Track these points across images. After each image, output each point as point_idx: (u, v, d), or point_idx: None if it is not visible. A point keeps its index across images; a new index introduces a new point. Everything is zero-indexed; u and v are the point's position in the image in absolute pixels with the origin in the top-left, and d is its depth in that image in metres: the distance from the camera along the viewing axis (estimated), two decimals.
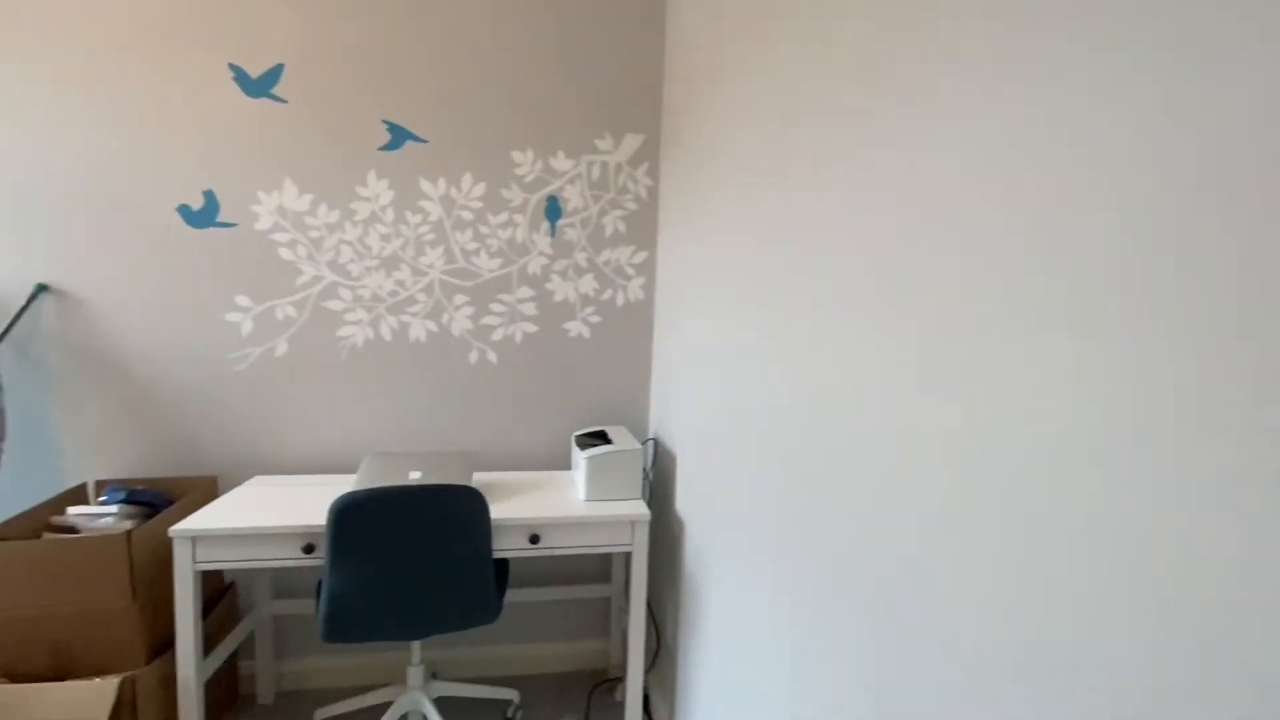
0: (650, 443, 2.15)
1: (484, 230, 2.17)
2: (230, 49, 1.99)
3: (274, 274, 2.07)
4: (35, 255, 1.94)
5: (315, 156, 2.06)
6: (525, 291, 2.21)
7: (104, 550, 1.54)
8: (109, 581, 1.55)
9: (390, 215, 2.12)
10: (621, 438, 1.97)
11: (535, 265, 2.21)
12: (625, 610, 2.17)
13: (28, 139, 1.91)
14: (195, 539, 1.59)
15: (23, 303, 1.91)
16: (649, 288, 2.28)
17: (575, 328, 2.25)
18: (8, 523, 1.64)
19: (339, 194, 2.09)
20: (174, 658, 1.62)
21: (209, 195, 2.03)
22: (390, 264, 2.13)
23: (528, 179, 2.18)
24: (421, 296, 2.16)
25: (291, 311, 2.09)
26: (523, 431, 2.25)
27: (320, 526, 1.60)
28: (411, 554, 1.57)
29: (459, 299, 2.18)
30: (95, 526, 1.74)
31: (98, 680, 1.53)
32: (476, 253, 2.17)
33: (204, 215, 2.03)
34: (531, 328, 2.23)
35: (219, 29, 1.98)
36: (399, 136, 2.10)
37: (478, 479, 2.05)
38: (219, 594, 1.96)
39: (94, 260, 1.98)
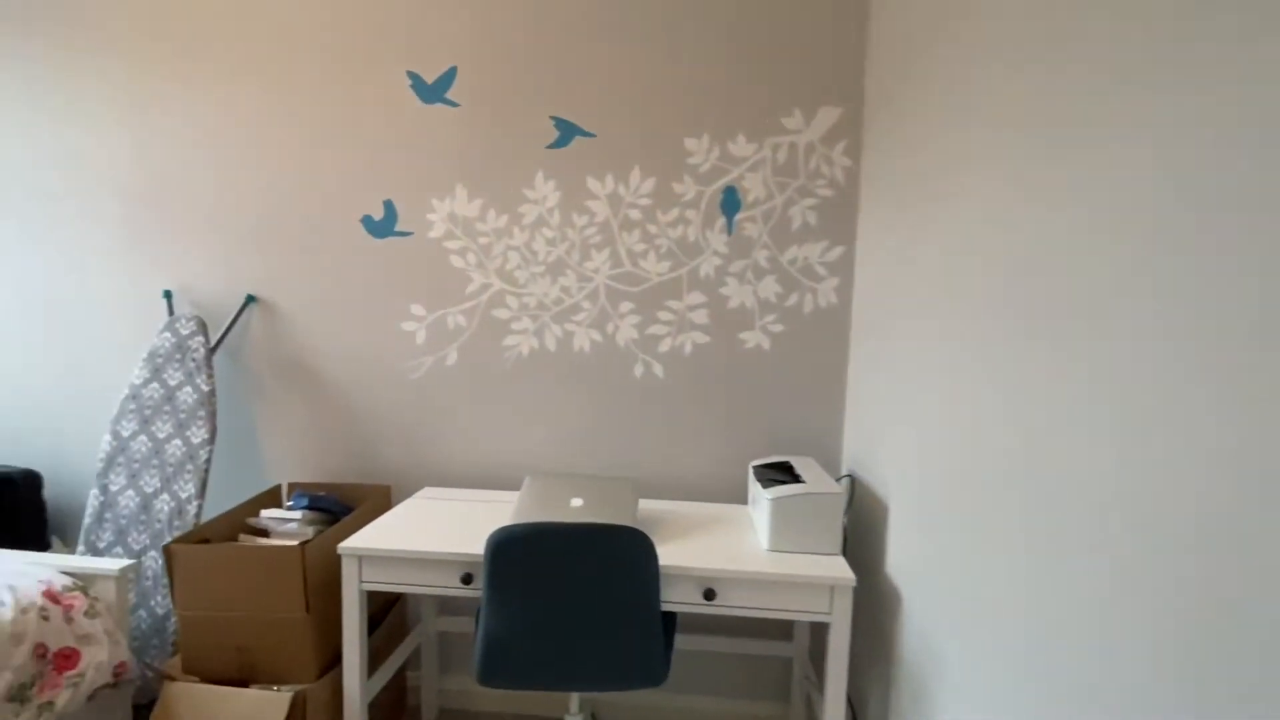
0: (846, 480, 1.77)
1: (652, 230, 1.95)
2: (407, 57, 1.98)
3: (446, 282, 2.03)
4: (245, 268, 2.08)
5: (485, 160, 1.99)
6: (696, 297, 1.95)
7: (281, 561, 1.55)
8: (285, 593, 1.55)
9: (556, 218, 1.98)
10: (812, 474, 1.62)
11: (708, 267, 1.94)
12: (811, 679, 1.82)
13: (232, 162, 2.05)
14: (361, 558, 1.54)
15: (234, 313, 2.06)
16: (844, 290, 1.90)
17: (753, 338, 1.94)
18: (212, 522, 1.72)
19: (507, 197, 1.99)
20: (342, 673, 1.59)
21: (388, 205, 2.04)
22: (556, 269, 1.99)
23: (702, 169, 1.91)
24: (586, 304, 1.99)
25: (462, 320, 2.04)
26: (691, 456, 1.99)
27: (478, 555, 1.46)
28: (570, 599, 1.37)
29: (624, 306, 1.98)
30: (282, 530, 1.78)
31: (273, 692, 1.54)
32: (644, 255, 1.96)
33: (384, 225, 2.04)
34: (702, 338, 1.96)
35: (396, 38, 1.98)
36: (567, 132, 1.95)
37: (642, 508, 1.82)
38: (389, 604, 1.95)
39: (291, 272, 2.07)
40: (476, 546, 1.49)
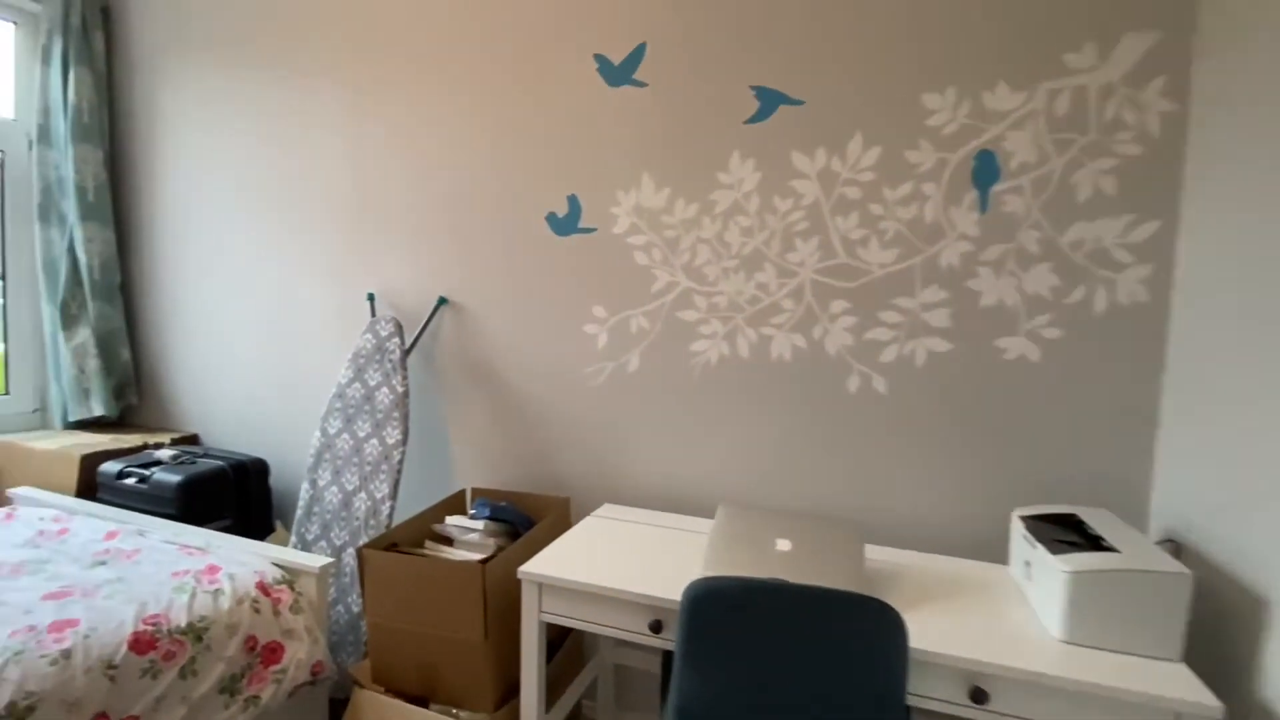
0: (1168, 547, 1.26)
1: (876, 211, 1.59)
2: (593, 38, 1.83)
3: (629, 281, 1.85)
4: (438, 270, 2.08)
5: (674, 144, 1.77)
6: (934, 293, 1.55)
7: (462, 579, 1.45)
8: (465, 613, 1.45)
9: (754, 203, 1.70)
10: (1122, 537, 1.16)
11: (952, 255, 1.53)
12: None
13: (426, 165, 2.06)
14: (542, 586, 1.38)
15: (427, 314, 2.07)
16: (1159, 281, 1.39)
17: (1015, 346, 1.50)
18: (402, 526, 1.70)
19: (698, 185, 1.76)
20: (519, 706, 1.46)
21: (572, 200, 1.91)
22: (751, 263, 1.71)
23: (945, 131, 1.51)
24: (788, 303, 1.69)
25: (644, 323, 1.84)
26: (923, 494, 1.59)
27: (670, 601, 1.23)
28: (787, 678, 1.08)
29: (836, 306, 1.64)
30: (465, 540, 1.71)
31: (455, 715, 1.45)
32: (864, 242, 1.60)
33: (568, 222, 1.92)
34: (941, 345, 1.56)
35: (582, 20, 1.83)
36: (769, 102, 1.67)
37: (873, 559, 1.46)
38: (566, 630, 1.80)
39: (479, 273, 2.03)
40: (667, 589, 1.26)
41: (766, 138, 1.68)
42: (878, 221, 1.59)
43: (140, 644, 1.31)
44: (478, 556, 1.63)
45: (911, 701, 1.09)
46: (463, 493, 1.97)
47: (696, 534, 1.58)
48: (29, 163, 2.51)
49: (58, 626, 1.29)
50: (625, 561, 1.43)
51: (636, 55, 1.80)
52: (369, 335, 2.03)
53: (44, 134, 2.50)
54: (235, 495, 2.16)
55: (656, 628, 1.28)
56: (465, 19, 1.98)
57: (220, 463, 2.16)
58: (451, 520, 1.76)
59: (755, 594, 1.09)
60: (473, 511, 1.78)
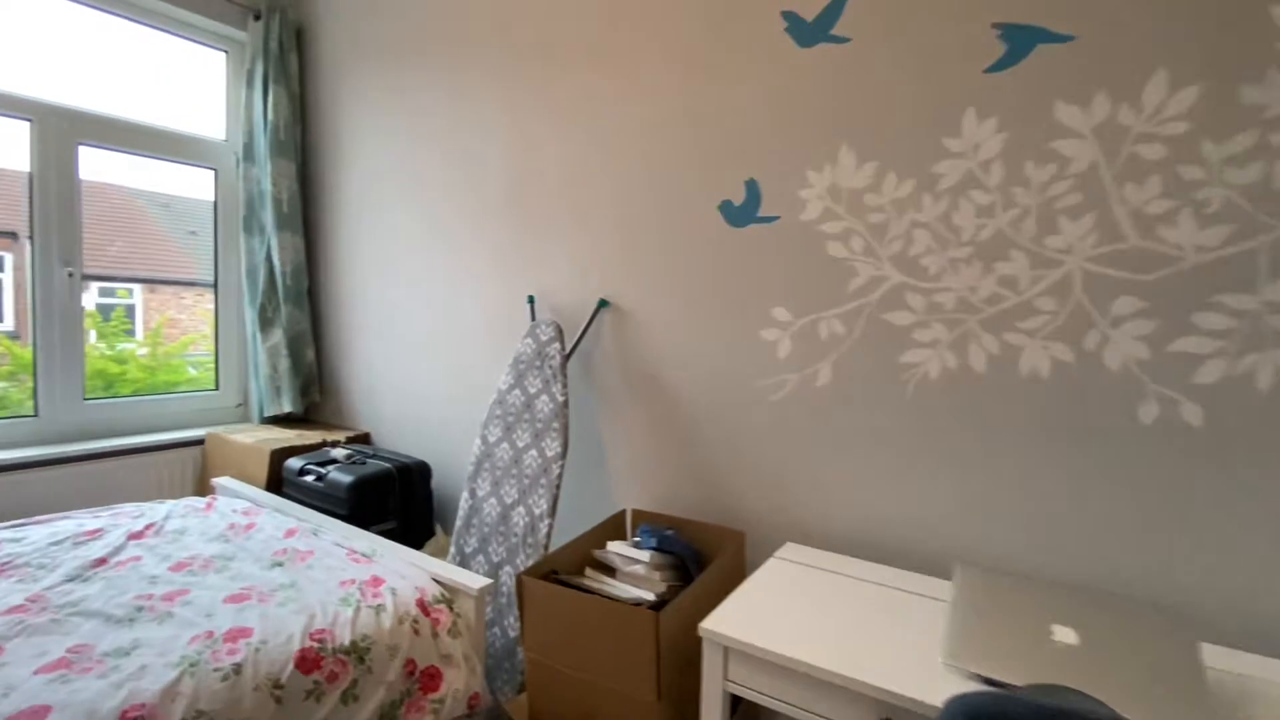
0: None
1: (1190, 175, 1.15)
2: None
3: (820, 277, 1.55)
4: (599, 270, 1.92)
5: (883, 108, 1.45)
6: None
7: (632, 626, 1.24)
8: (636, 666, 1.24)
9: (997, 174, 1.33)
10: None
11: None
12: None
13: (587, 158, 1.90)
14: (728, 649, 1.13)
15: (587, 318, 1.91)
16: None
17: None
18: (561, 551, 1.54)
19: (915, 155, 1.41)
20: None
21: (750, 186, 1.64)
22: (991, 251, 1.34)
23: None
24: (1046, 303, 1.29)
25: (839, 327, 1.53)
26: (1276, 573, 1.12)
27: (906, 699, 0.93)
28: None
29: (1123, 305, 1.22)
30: (629, 571, 1.51)
31: None
32: (1168, 217, 1.17)
33: (745, 211, 1.66)
34: None
35: None
36: (1021, 43, 1.29)
37: (1217, 667, 1.03)
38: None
39: (643, 272, 1.84)
40: (903, 678, 0.96)
41: (1016, 88, 1.30)
42: (1193, 189, 1.15)
43: (306, 662, 1.25)
44: (645, 593, 1.43)
45: None
46: (622, 514, 1.79)
47: (922, 597, 1.24)
48: (236, 179, 2.75)
49: (233, 635, 1.26)
50: (833, 627, 1.14)
51: (836, 6, 1.49)
52: (529, 340, 1.91)
53: (248, 151, 2.71)
54: (400, 497, 2.16)
55: None
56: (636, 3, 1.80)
57: (387, 465, 2.17)
58: (614, 547, 1.57)
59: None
60: (637, 539, 1.58)
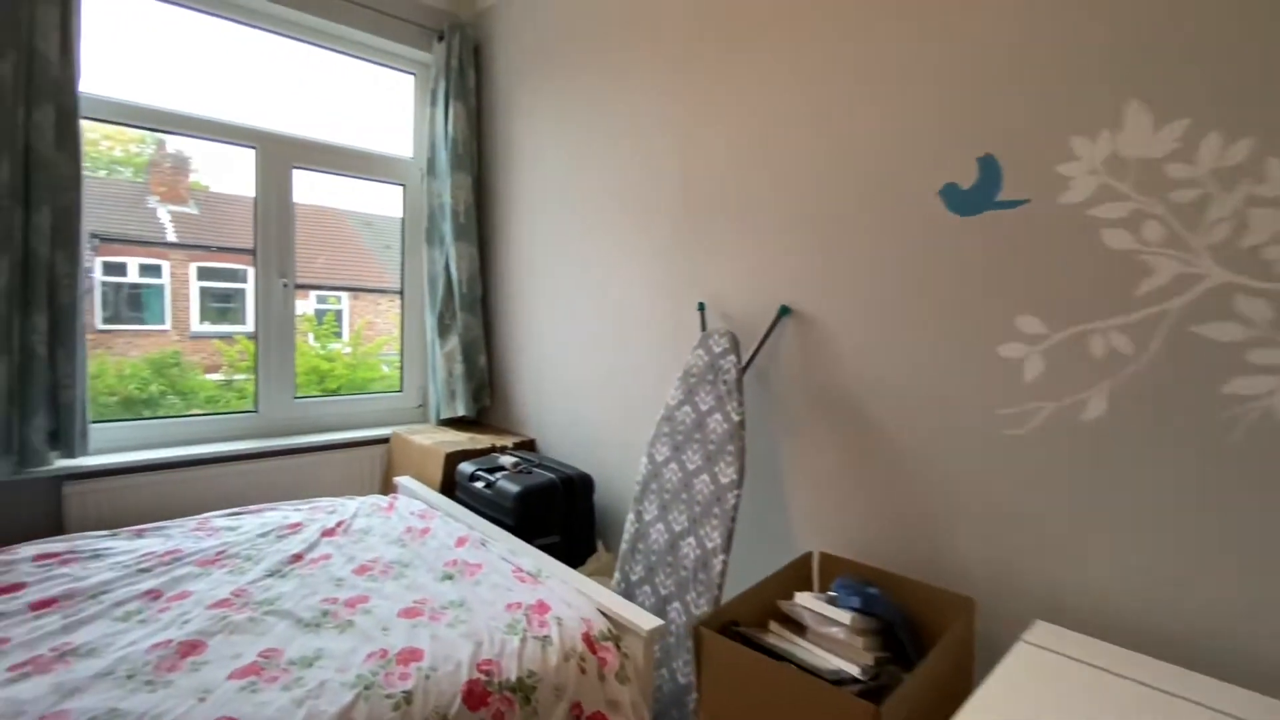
0: None
1: None
2: None
3: (1091, 277, 1.19)
4: (780, 273, 1.69)
5: (1197, 41, 1.06)
6: None
7: (842, 714, 0.99)
8: None
9: None
10: None
11: None
12: None
13: (760, 149, 1.66)
14: None
15: (766, 327, 1.68)
16: None
17: None
18: (741, 598, 1.33)
19: (1251, 105, 1.01)
20: None
21: (987, 163, 1.32)
22: None
23: None
24: None
25: (1122, 342, 1.16)
26: None
27: None
28: None
29: None
30: (824, 633, 1.27)
31: None
32: None
33: (977, 195, 1.33)
34: None
35: None
36: None
37: None
38: None
39: (835, 275, 1.58)
40: None
41: None
42: None
43: (473, 696, 1.17)
44: (847, 664, 1.17)
45: None
46: (808, 558, 1.54)
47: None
48: (421, 193, 2.90)
49: (405, 657, 1.22)
50: None
51: None
52: (700, 351, 1.73)
53: (431, 166, 2.84)
54: (563, 510, 2.09)
55: None
56: None
57: (552, 475, 2.11)
58: (804, 600, 1.33)
59: None
60: (832, 594, 1.33)
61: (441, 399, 2.79)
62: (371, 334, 3.22)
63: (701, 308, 1.88)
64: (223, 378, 2.61)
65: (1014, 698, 0.96)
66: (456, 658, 1.24)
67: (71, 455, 1.96)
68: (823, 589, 1.50)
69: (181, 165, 2.53)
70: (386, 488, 2.68)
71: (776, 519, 1.71)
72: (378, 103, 2.94)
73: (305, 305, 2.81)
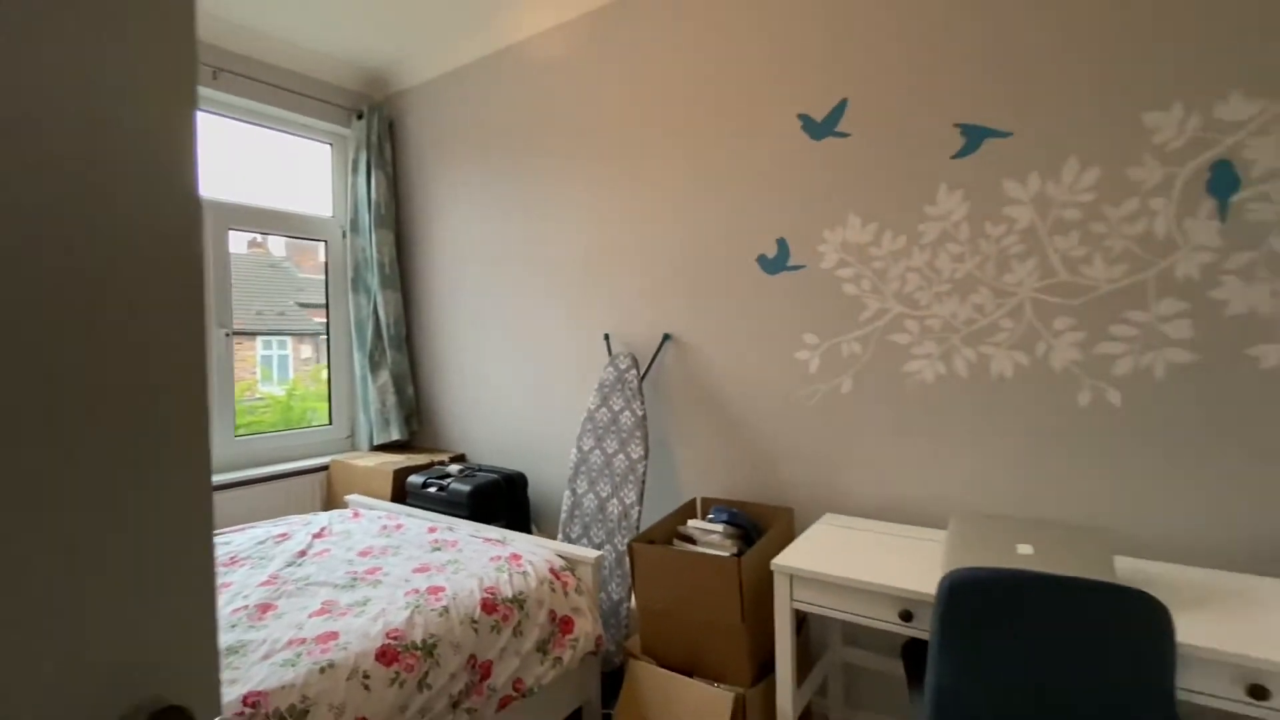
0: None
1: (1098, 229, 1.64)
2: (795, 100, 2.09)
3: (838, 311, 2.05)
4: (663, 311, 2.44)
5: (878, 184, 1.96)
6: (1171, 305, 1.57)
7: (721, 570, 1.72)
8: (724, 600, 1.71)
9: (964, 231, 1.83)
10: None
11: (1189, 266, 1.54)
12: None
13: (650, 224, 2.43)
14: (792, 576, 1.61)
15: (655, 349, 2.42)
16: None
17: (1273, 354, 1.47)
18: (653, 528, 2.03)
19: (904, 219, 1.92)
20: (773, 683, 1.69)
21: (781, 243, 2.16)
22: (965, 287, 1.83)
23: (1172, 146, 1.55)
24: (1006, 322, 1.78)
25: (856, 348, 2.03)
26: (1171, 505, 1.59)
27: (917, 593, 1.40)
28: (1046, 670, 1.20)
29: (1061, 322, 1.70)
30: (706, 540, 1.99)
31: (718, 688, 1.71)
32: (1086, 260, 1.66)
33: (777, 261, 2.17)
34: (1182, 356, 1.56)
35: (785, 86, 2.10)
36: (974, 138, 1.80)
37: (1120, 567, 1.49)
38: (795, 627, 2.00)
39: (698, 312, 2.35)
40: (914, 582, 1.43)
41: (974, 169, 1.81)
42: (1101, 240, 1.64)
43: (487, 605, 1.75)
44: (722, 553, 1.91)
45: (1181, 695, 1.15)
46: (694, 501, 2.27)
47: (930, 542, 1.72)
48: (344, 248, 3.32)
49: (432, 590, 1.76)
50: (867, 559, 1.61)
51: (838, 111, 2.02)
52: (610, 368, 2.43)
53: (355, 225, 3.29)
54: (506, 501, 2.66)
55: (906, 617, 1.44)
56: (680, 104, 2.34)
57: (495, 475, 2.67)
58: (693, 523, 2.05)
59: (1017, 585, 1.23)
60: (711, 516, 2.07)
61: (376, 426, 3.21)
62: (304, 374, 3.53)
63: (607, 337, 2.58)
64: None
65: (809, 545, 1.75)
66: (468, 587, 1.80)
67: None
68: (703, 518, 2.24)
69: None
70: (331, 508, 3.04)
71: (670, 478, 2.44)
72: (300, 169, 3.32)
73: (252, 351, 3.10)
